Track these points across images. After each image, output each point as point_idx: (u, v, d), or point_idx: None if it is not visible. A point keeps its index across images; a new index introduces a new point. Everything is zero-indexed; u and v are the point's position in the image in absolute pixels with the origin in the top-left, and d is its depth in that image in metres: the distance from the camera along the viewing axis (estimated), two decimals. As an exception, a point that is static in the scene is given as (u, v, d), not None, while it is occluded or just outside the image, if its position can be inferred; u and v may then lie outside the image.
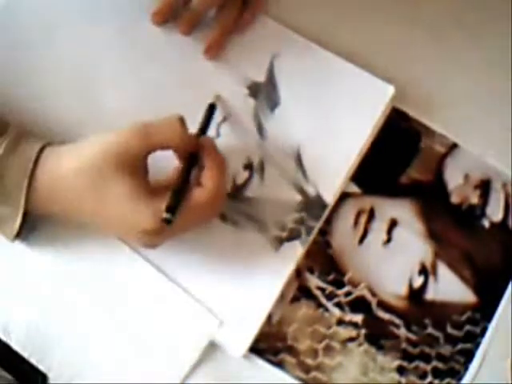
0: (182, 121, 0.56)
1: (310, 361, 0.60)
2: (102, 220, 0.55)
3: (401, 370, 0.61)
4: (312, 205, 0.63)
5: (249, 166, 0.63)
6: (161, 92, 0.64)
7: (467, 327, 0.62)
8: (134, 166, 0.54)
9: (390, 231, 0.64)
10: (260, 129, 0.64)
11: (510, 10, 0.70)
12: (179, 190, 0.55)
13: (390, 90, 0.66)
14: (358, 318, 0.61)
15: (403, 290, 0.63)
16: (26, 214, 0.54)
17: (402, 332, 0.61)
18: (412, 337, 0.61)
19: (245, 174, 0.63)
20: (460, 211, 0.65)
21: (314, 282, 0.62)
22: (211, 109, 0.62)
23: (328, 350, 0.60)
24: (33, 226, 0.57)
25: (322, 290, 0.62)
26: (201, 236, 0.61)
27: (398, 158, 0.66)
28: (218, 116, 0.64)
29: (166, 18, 0.66)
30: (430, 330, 0.62)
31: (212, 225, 0.61)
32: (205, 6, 0.65)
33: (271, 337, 0.60)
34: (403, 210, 0.65)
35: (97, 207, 0.54)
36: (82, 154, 0.54)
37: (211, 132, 0.63)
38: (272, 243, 0.61)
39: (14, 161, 0.54)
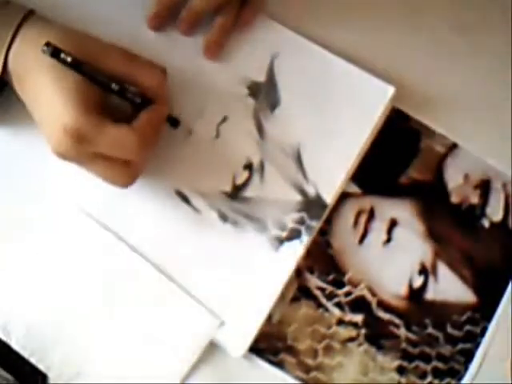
0: (164, 70, 0.58)
1: (310, 361, 0.60)
2: (35, 105, 0.55)
3: (401, 370, 0.61)
4: (312, 205, 0.63)
5: (249, 166, 0.63)
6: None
7: (467, 327, 0.62)
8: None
9: (389, 231, 0.64)
10: (260, 129, 0.64)
11: (510, 12, 0.70)
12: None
13: (390, 90, 0.66)
14: (358, 318, 0.62)
15: (403, 290, 0.63)
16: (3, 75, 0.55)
17: (402, 332, 0.61)
18: (412, 337, 0.61)
19: (245, 174, 0.63)
20: (460, 211, 0.65)
21: (313, 282, 0.62)
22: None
23: (328, 350, 0.60)
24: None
25: (322, 290, 0.62)
26: (201, 236, 0.61)
27: (397, 158, 0.66)
28: (218, 116, 0.64)
29: (164, 22, 0.65)
30: (430, 329, 0.62)
31: (212, 225, 0.61)
32: (205, 5, 0.64)
33: (271, 337, 0.60)
34: (403, 210, 0.65)
35: (36, 90, 0.54)
36: (58, 37, 0.54)
37: (211, 132, 0.63)
38: (272, 243, 0.61)
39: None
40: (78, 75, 0.54)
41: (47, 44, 0.53)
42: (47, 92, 0.54)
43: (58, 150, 0.54)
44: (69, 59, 0.54)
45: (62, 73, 0.54)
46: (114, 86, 0.55)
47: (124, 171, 0.56)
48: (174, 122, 0.61)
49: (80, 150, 0.54)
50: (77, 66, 0.54)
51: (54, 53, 0.53)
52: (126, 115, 0.57)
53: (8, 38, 0.55)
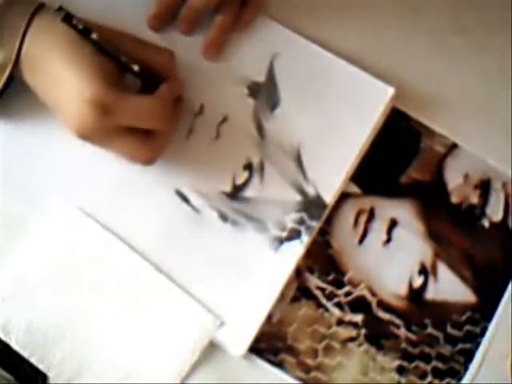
0: (172, 53, 0.60)
1: (309, 361, 0.60)
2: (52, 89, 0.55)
3: (401, 370, 0.61)
4: (312, 205, 0.63)
5: (249, 166, 0.63)
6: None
7: (467, 327, 0.62)
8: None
9: (389, 231, 0.64)
10: (260, 129, 0.64)
11: (510, 12, 0.70)
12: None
13: (390, 90, 0.66)
14: (358, 318, 0.62)
15: (403, 290, 0.63)
16: (14, 68, 0.55)
17: (402, 332, 0.61)
18: (412, 337, 0.61)
19: (245, 174, 0.63)
20: (460, 211, 0.65)
21: (313, 282, 0.62)
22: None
23: (328, 350, 0.60)
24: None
25: (322, 290, 0.62)
26: (201, 236, 0.61)
27: (398, 158, 0.66)
28: (218, 116, 0.64)
29: (164, 22, 0.65)
30: (430, 329, 0.62)
31: (212, 225, 0.61)
32: (204, 4, 0.64)
33: (271, 337, 0.60)
34: (403, 210, 0.65)
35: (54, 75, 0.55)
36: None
37: (211, 132, 0.63)
38: (272, 243, 0.61)
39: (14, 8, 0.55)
40: (94, 51, 0.55)
41: (60, 8, 0.54)
42: (65, 69, 0.54)
43: (82, 127, 0.54)
44: (80, 26, 0.54)
45: (79, 49, 0.55)
46: (124, 58, 0.57)
47: (148, 146, 0.57)
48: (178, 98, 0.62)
49: (105, 123, 0.54)
50: (88, 32, 0.55)
51: (66, 17, 0.54)
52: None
53: (23, 27, 0.55)
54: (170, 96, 0.58)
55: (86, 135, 0.54)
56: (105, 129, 0.54)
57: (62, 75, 0.54)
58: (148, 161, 0.58)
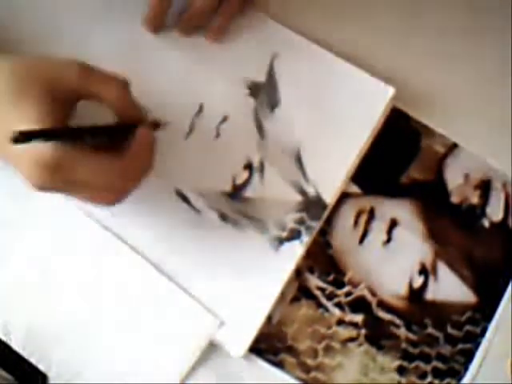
0: (126, 83, 0.53)
1: (309, 361, 0.60)
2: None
3: (401, 370, 0.61)
4: (312, 205, 0.63)
5: (249, 166, 0.63)
6: (160, 91, 0.64)
7: (467, 327, 0.62)
8: (58, 99, 0.50)
9: (389, 231, 0.64)
10: (260, 129, 0.64)
11: (510, 12, 0.70)
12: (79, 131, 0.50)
13: (390, 90, 0.66)
14: (358, 318, 0.62)
15: (403, 290, 0.63)
16: None
17: (402, 332, 0.61)
18: (412, 337, 0.61)
19: (245, 174, 0.63)
20: (460, 211, 0.65)
21: (313, 281, 0.62)
22: None
23: (328, 350, 0.60)
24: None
25: (322, 290, 0.62)
26: (201, 236, 0.61)
27: (397, 158, 0.66)
28: (218, 116, 0.64)
29: (162, 24, 0.64)
30: (430, 329, 0.62)
31: (212, 225, 0.61)
32: (207, 5, 0.64)
33: (271, 337, 0.60)
34: (403, 210, 0.65)
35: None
36: (8, 67, 0.50)
37: (211, 132, 0.63)
38: (272, 243, 0.61)
39: None
40: (47, 106, 0.50)
41: (19, 133, 0.46)
42: (8, 122, 0.49)
43: (34, 184, 0.50)
44: (41, 139, 0.48)
45: (27, 97, 0.49)
46: (88, 138, 0.51)
47: (109, 195, 0.53)
48: (154, 126, 0.58)
49: (58, 180, 0.49)
50: (50, 136, 0.49)
51: (27, 138, 0.47)
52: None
53: None
54: (140, 152, 0.53)
55: (41, 190, 0.50)
56: (58, 185, 0.50)
57: (10, 120, 0.49)
58: (112, 203, 0.53)
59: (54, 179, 0.49)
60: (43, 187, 0.50)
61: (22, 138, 0.46)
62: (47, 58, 0.52)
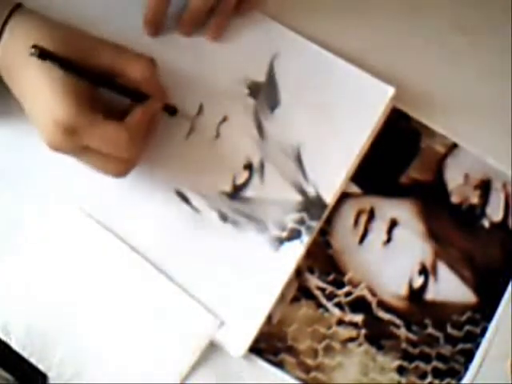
0: (154, 61, 0.58)
1: (309, 361, 0.60)
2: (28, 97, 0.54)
3: (401, 370, 0.61)
4: (312, 205, 0.63)
5: (249, 166, 0.63)
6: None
7: (467, 327, 0.62)
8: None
9: (390, 231, 0.64)
10: (260, 129, 0.64)
11: (510, 12, 0.70)
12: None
13: (390, 90, 0.66)
14: (358, 318, 0.62)
15: (403, 290, 0.63)
16: None
17: (402, 332, 0.61)
18: (412, 337, 0.61)
19: (245, 174, 0.63)
20: (460, 211, 0.65)
21: (313, 281, 0.62)
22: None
23: (328, 350, 0.60)
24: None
25: (322, 290, 0.62)
26: (201, 236, 0.61)
27: (398, 157, 0.66)
28: (218, 116, 0.64)
29: (162, 25, 0.64)
30: (430, 329, 0.62)
31: (212, 225, 0.61)
32: (204, 5, 0.64)
33: (271, 337, 0.60)
34: (403, 210, 0.65)
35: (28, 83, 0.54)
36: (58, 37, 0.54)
37: (211, 132, 0.63)
38: (272, 243, 0.61)
39: None
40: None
41: (34, 46, 0.53)
42: (37, 86, 0.54)
43: (49, 142, 0.54)
44: (57, 62, 0.53)
45: (52, 67, 0.54)
46: (103, 83, 0.56)
47: (117, 164, 0.56)
48: (171, 110, 0.61)
49: (71, 143, 0.54)
50: (66, 65, 0.54)
51: (42, 55, 0.53)
52: (121, 109, 0.57)
53: None
54: (142, 121, 0.56)
55: (55, 149, 0.55)
56: (72, 147, 0.55)
57: (33, 89, 0.54)
58: (118, 176, 0.57)
59: (69, 142, 0.54)
60: (58, 148, 0.55)
61: (38, 52, 0.52)
62: (83, 32, 0.57)
